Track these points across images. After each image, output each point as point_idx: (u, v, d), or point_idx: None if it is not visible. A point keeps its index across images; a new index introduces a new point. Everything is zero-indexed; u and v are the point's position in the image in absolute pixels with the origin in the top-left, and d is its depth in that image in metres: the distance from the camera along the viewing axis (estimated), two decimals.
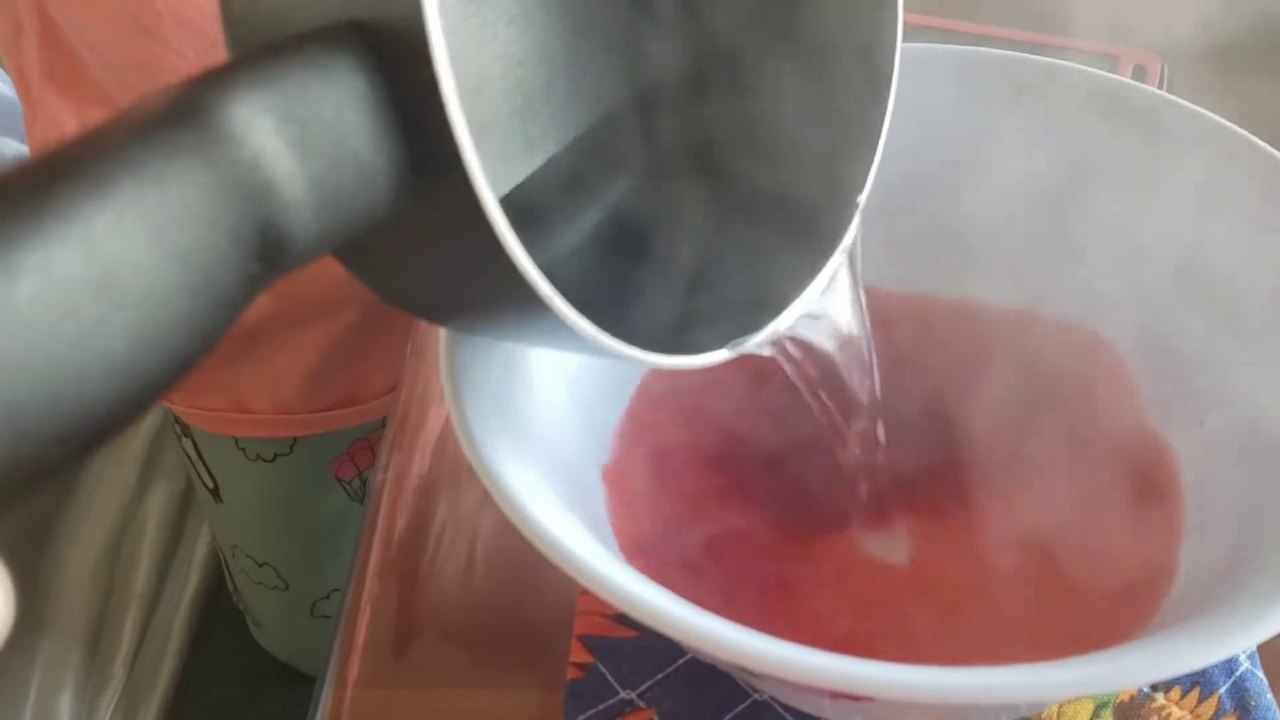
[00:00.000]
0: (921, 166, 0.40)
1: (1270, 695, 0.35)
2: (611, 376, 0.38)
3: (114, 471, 0.90)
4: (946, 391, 0.39)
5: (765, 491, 0.37)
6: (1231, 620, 0.27)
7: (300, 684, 0.79)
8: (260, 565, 0.72)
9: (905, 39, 0.32)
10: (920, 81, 0.40)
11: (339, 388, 0.63)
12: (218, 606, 0.93)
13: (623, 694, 0.36)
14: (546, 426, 0.33)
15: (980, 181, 0.40)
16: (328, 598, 0.73)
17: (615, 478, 0.36)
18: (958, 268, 0.41)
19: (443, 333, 0.32)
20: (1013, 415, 0.38)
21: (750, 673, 0.31)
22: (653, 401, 0.39)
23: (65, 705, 0.80)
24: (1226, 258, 0.37)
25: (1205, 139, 0.37)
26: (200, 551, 0.93)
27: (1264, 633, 0.26)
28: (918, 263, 0.41)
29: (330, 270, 0.63)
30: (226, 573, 0.80)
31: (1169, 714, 0.35)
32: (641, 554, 0.34)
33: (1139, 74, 0.55)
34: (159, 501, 0.92)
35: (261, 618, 0.79)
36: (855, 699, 0.29)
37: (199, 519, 0.94)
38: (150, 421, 0.93)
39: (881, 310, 0.41)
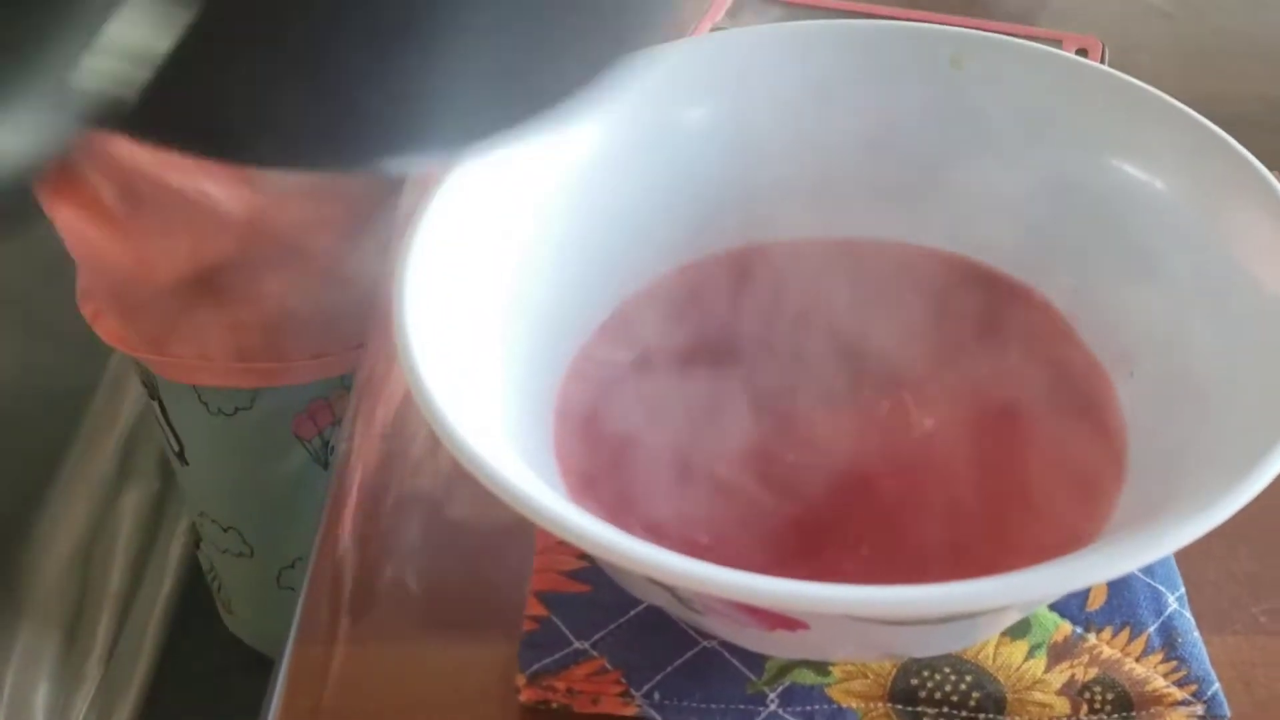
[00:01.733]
0: (868, 126, 0.42)
1: (1197, 634, 0.37)
2: (563, 320, 0.40)
3: (88, 472, 0.91)
4: (887, 326, 0.41)
5: (712, 424, 0.38)
6: (1134, 542, 0.28)
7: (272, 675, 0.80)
8: (226, 530, 0.73)
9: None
10: (865, 52, 0.42)
11: (303, 340, 0.64)
12: (192, 605, 0.94)
13: (576, 644, 0.37)
14: (497, 368, 0.35)
15: (914, 137, 0.42)
16: (292, 566, 0.74)
17: (564, 418, 0.38)
18: (888, 219, 0.43)
19: (396, 278, 0.34)
20: (951, 350, 0.40)
21: (690, 605, 0.32)
22: (604, 341, 0.40)
23: (41, 700, 0.80)
24: (1147, 214, 0.39)
25: (1127, 101, 0.39)
26: (175, 552, 0.94)
27: (1154, 553, 0.28)
28: (851, 213, 0.43)
29: (291, 213, 0.64)
30: (200, 552, 0.81)
31: (1100, 653, 0.36)
32: (588, 493, 0.36)
33: (1081, 55, 0.57)
34: (133, 502, 0.93)
35: (231, 594, 0.80)
36: (792, 628, 0.31)
37: (174, 518, 0.95)
38: (124, 422, 0.94)
39: (821, 251, 0.43)
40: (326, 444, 0.69)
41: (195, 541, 0.95)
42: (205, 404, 0.66)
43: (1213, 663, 0.36)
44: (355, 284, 0.58)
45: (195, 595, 0.93)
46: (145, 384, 0.69)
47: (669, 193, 0.41)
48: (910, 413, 0.40)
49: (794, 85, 0.43)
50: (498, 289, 0.37)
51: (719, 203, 0.43)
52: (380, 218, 0.55)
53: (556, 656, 0.37)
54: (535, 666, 0.37)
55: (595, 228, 0.40)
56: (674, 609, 0.34)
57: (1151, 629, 0.37)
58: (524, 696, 0.37)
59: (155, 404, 0.69)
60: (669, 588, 0.31)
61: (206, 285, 0.61)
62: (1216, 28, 0.69)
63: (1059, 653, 0.36)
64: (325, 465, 0.70)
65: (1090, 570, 0.28)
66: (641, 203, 0.41)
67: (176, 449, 0.71)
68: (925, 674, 0.36)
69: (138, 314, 0.63)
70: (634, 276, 0.42)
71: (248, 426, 0.67)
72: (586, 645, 0.37)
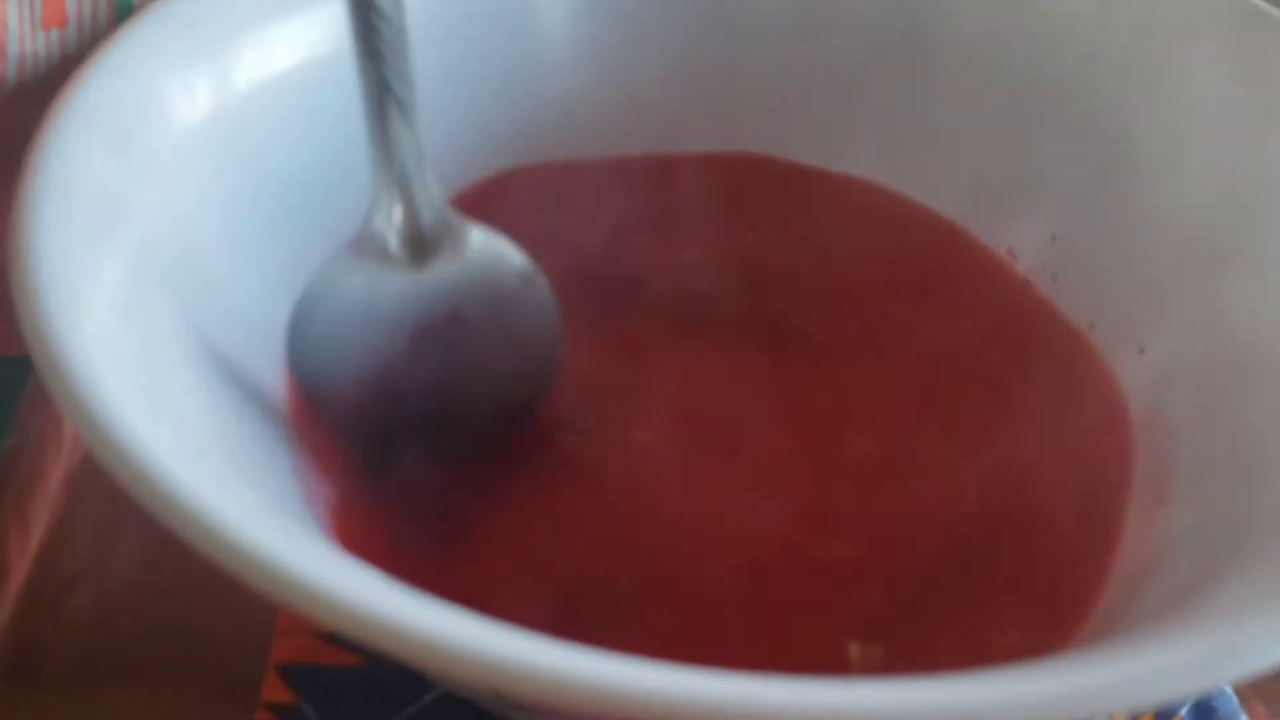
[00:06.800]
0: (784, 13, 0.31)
1: (1245, 718, 0.26)
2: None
3: None
4: (795, 279, 0.29)
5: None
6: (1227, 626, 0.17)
7: None
8: None
9: None
10: None
11: None
12: None
13: None
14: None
15: (842, 31, 0.31)
16: None
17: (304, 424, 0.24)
18: (803, 134, 0.31)
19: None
20: (877, 321, 0.28)
21: (523, 704, 0.19)
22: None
23: None
24: (1157, 127, 0.28)
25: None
26: None
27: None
28: (755, 125, 0.31)
29: None
30: None
31: None
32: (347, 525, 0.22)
33: None
34: None
35: None
36: None
37: None
38: None
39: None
40: None
41: None
42: None
43: None
44: None
45: None
46: None
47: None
48: (824, 415, 0.28)
49: None
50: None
51: (567, 106, 0.30)
52: None
53: None
54: None
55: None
56: (489, 703, 0.21)
57: (1183, 710, 0.26)
58: None
59: None
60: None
61: None
62: None
63: None
64: None
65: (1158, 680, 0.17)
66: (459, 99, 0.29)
67: None
68: None
69: None
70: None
71: None
72: None
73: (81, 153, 0.22)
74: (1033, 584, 0.24)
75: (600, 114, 0.30)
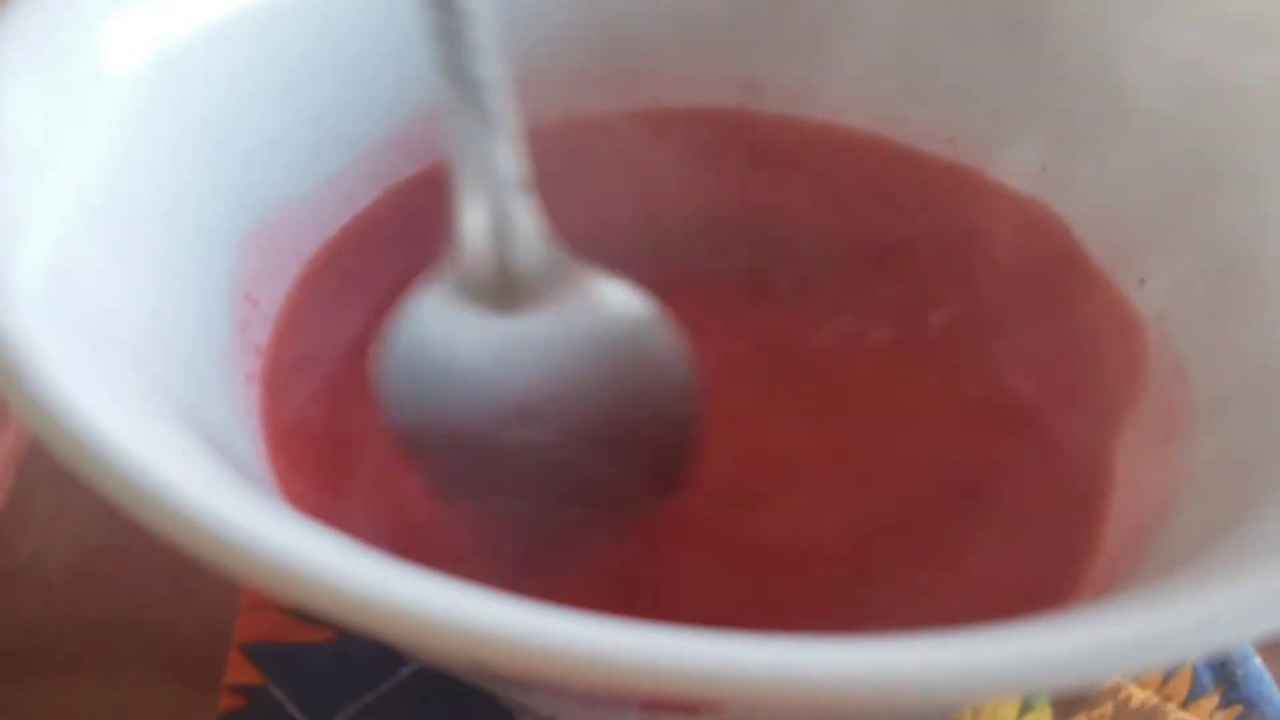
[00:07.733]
0: None
1: (1259, 661, 0.25)
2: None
3: None
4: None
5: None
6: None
7: None
8: None
9: None
10: None
11: None
12: None
13: None
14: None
15: None
16: None
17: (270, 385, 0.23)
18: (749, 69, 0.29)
19: None
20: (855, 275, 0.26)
21: (510, 679, 0.18)
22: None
23: None
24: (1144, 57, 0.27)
25: None
26: None
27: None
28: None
29: None
30: None
31: (1128, 697, 0.24)
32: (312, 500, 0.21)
33: None
34: None
35: None
36: (693, 709, 0.17)
37: None
38: None
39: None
40: None
41: None
42: None
43: None
44: None
45: None
46: None
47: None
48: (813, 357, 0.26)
49: None
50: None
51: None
52: None
53: None
54: None
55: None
56: (476, 678, 0.19)
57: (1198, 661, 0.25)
58: None
59: None
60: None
61: None
62: None
63: (1070, 702, 0.24)
64: None
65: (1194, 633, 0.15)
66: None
67: None
68: None
69: None
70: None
71: None
72: None
73: (6, 98, 0.21)
74: (1033, 526, 0.23)
75: (570, 34, 0.28)
